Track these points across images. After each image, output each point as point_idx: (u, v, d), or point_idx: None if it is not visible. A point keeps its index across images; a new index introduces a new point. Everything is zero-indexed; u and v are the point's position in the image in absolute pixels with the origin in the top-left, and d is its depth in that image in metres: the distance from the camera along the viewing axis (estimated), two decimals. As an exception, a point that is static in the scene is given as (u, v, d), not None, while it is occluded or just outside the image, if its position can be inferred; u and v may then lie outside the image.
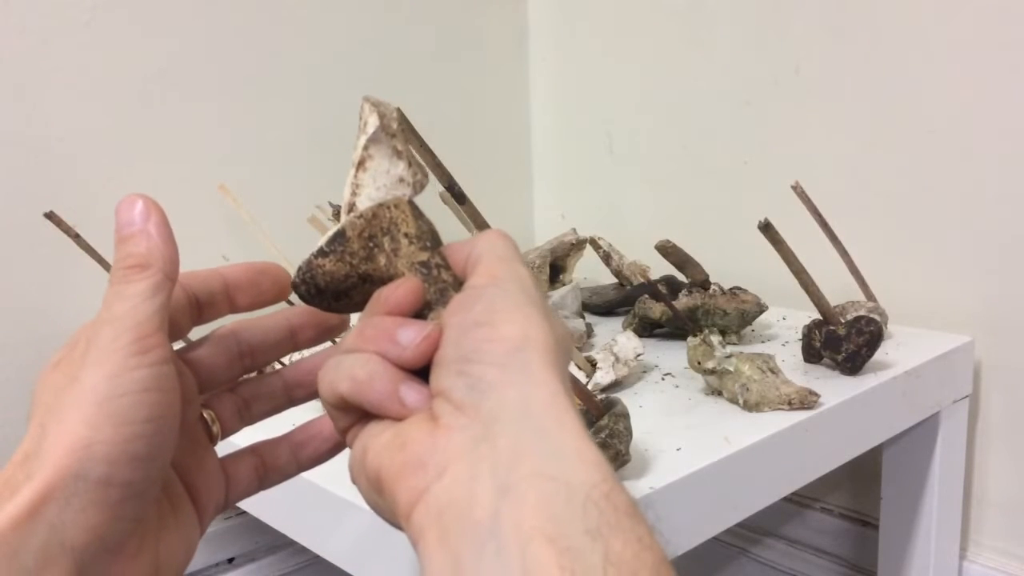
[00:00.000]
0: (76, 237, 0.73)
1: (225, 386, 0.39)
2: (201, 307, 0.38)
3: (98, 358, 0.31)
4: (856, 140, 0.94)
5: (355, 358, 0.33)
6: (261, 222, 0.94)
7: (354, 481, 0.33)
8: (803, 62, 0.97)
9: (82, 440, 0.30)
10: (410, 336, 0.32)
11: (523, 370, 0.29)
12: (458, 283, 0.35)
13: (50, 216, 0.72)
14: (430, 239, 0.37)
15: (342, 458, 0.64)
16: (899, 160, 0.91)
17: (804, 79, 0.97)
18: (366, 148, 0.37)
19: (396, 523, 0.30)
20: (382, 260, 0.36)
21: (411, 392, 0.32)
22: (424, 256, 0.36)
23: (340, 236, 0.36)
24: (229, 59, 0.98)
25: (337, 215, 0.86)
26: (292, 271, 0.40)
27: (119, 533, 0.31)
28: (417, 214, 0.37)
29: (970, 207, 0.86)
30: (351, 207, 0.37)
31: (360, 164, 0.37)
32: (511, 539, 0.26)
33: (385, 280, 0.36)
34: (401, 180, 0.37)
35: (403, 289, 0.34)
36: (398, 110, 0.56)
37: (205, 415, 0.38)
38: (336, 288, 0.36)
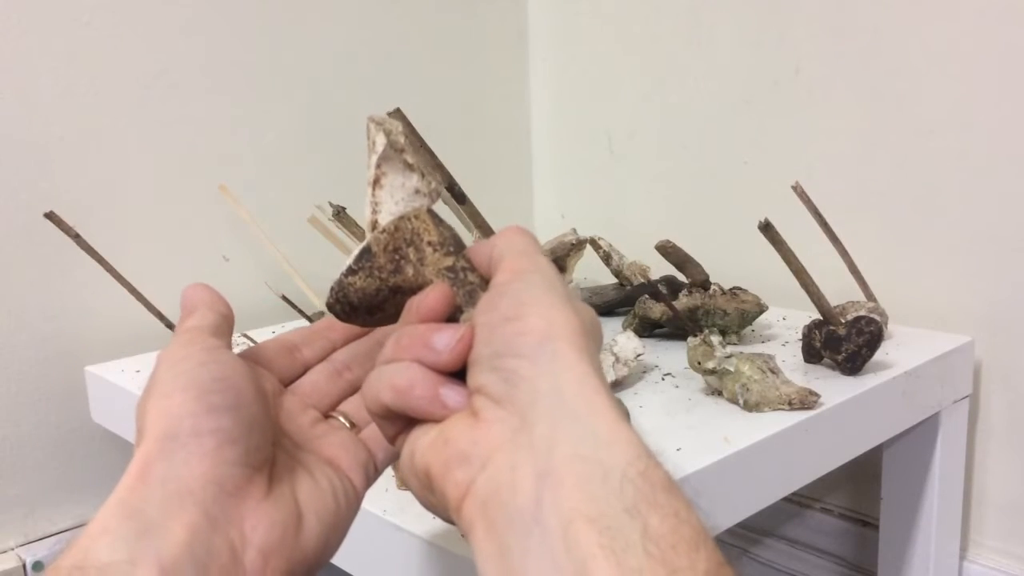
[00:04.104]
0: (76, 237, 0.73)
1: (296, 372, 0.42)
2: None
3: (163, 360, 0.36)
4: (856, 140, 0.94)
5: (394, 367, 0.34)
6: (261, 222, 0.95)
7: (406, 483, 0.35)
8: (803, 62, 0.97)
9: (162, 408, 0.33)
10: (445, 340, 0.33)
11: (553, 359, 0.30)
12: (484, 283, 0.36)
13: (50, 216, 0.72)
14: (453, 244, 0.38)
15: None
16: (899, 160, 0.91)
17: (804, 79, 0.97)
18: (378, 166, 0.38)
19: (449, 518, 0.32)
20: (410, 271, 0.37)
21: (451, 393, 0.33)
22: (449, 261, 0.37)
23: (366, 253, 0.37)
24: (229, 59, 0.98)
25: (338, 215, 0.86)
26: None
27: (232, 477, 0.33)
28: (437, 222, 0.38)
29: (970, 207, 0.86)
30: (374, 224, 0.38)
31: (375, 182, 0.38)
32: (553, 522, 0.27)
33: (415, 289, 0.37)
34: (417, 191, 0.38)
35: (432, 296, 0.35)
36: (398, 111, 0.56)
37: (341, 419, 0.41)
38: (369, 303, 0.38)
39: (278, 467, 0.36)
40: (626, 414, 0.31)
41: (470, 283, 0.36)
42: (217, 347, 0.36)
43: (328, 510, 0.36)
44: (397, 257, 0.37)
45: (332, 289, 0.38)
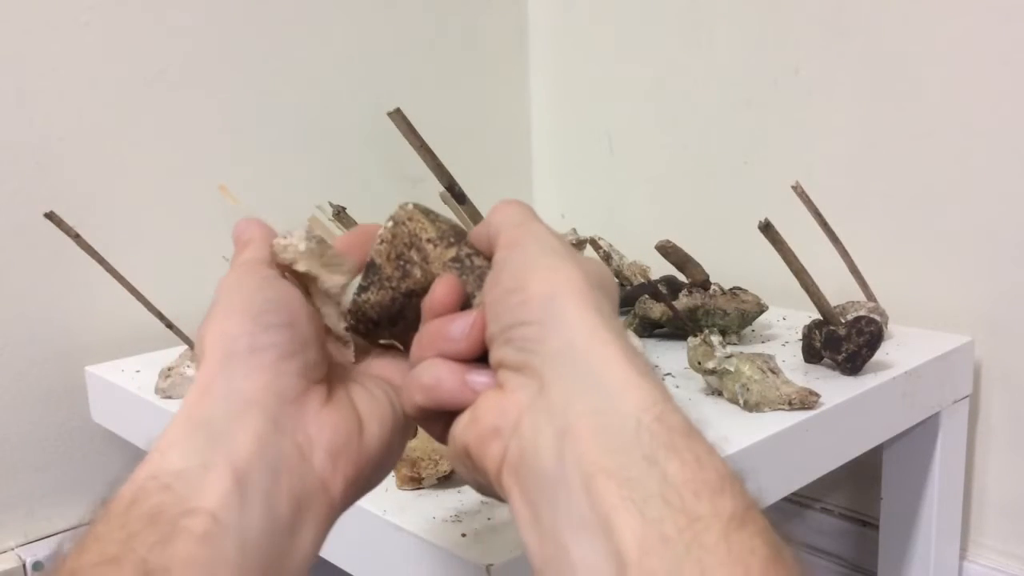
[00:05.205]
0: (76, 237, 0.73)
1: None
2: None
3: (221, 289, 0.36)
4: (856, 140, 0.94)
5: (419, 368, 0.35)
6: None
7: (457, 471, 0.35)
8: (803, 62, 0.97)
9: (219, 331, 0.34)
10: (459, 328, 0.34)
11: (559, 318, 0.31)
12: (491, 263, 0.36)
13: (50, 216, 0.72)
14: (453, 235, 0.38)
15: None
16: (899, 160, 0.91)
17: (804, 79, 0.97)
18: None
19: (497, 495, 0.32)
20: (417, 272, 0.38)
21: (478, 377, 0.34)
22: (452, 252, 0.37)
23: (372, 267, 0.38)
24: (229, 59, 0.98)
25: (338, 215, 0.86)
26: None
27: (292, 387, 0.34)
28: (432, 217, 0.38)
29: (970, 207, 0.86)
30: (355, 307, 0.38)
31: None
32: (575, 479, 0.27)
33: (428, 288, 0.37)
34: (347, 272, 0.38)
35: (440, 290, 0.36)
36: (398, 111, 0.56)
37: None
38: (388, 314, 0.38)
39: (333, 383, 0.36)
40: (643, 359, 0.31)
41: (478, 267, 0.37)
42: (272, 276, 0.37)
43: (387, 416, 0.37)
44: (402, 262, 0.37)
45: (349, 311, 0.38)
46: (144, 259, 0.92)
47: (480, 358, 0.34)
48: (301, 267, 0.37)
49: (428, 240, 0.37)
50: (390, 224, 0.38)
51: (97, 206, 0.90)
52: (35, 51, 0.85)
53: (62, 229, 0.72)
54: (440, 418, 0.35)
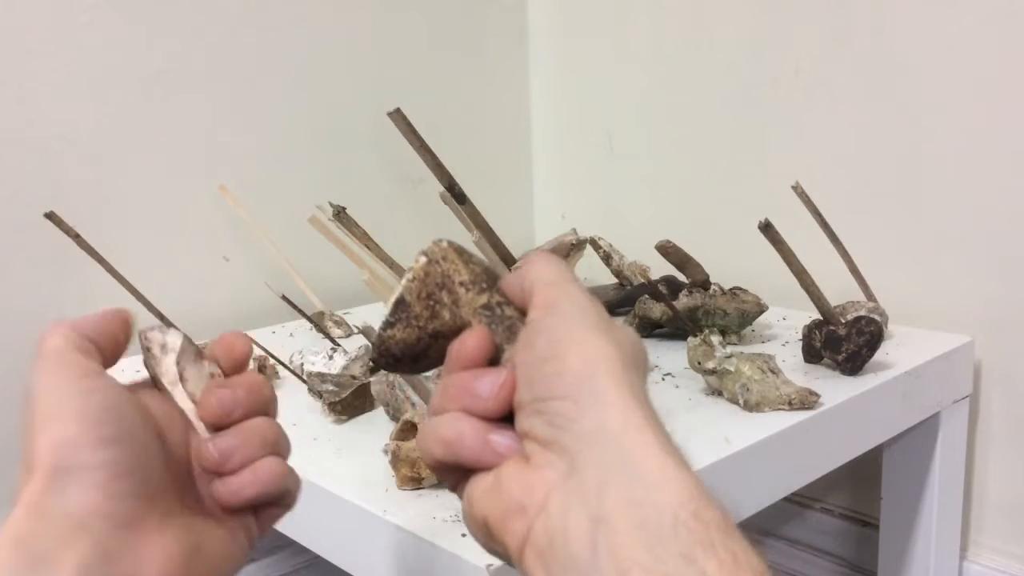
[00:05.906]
0: (76, 237, 0.73)
1: None
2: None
3: (41, 387, 0.36)
4: (856, 140, 0.94)
5: (441, 420, 0.34)
6: (261, 222, 0.95)
7: (469, 532, 0.34)
8: (803, 62, 0.97)
9: (52, 441, 0.33)
10: (487, 387, 0.33)
11: (594, 397, 0.30)
12: (522, 315, 0.36)
13: (50, 216, 0.72)
14: (485, 280, 0.37)
15: (343, 460, 0.63)
16: (899, 160, 0.91)
17: (804, 79, 0.97)
18: (178, 363, 0.40)
19: (513, 565, 0.32)
20: (446, 315, 0.37)
21: (502, 440, 0.33)
22: (484, 299, 0.37)
23: (401, 304, 0.37)
24: (229, 59, 0.98)
25: (338, 215, 0.86)
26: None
27: (125, 510, 0.32)
28: (466, 259, 0.38)
29: (970, 207, 0.86)
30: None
31: (181, 379, 0.40)
32: (609, 572, 0.27)
33: (455, 331, 0.37)
34: (211, 375, 0.39)
35: (471, 342, 0.35)
36: (398, 110, 0.56)
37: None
38: (412, 352, 0.38)
39: (172, 494, 0.36)
40: (675, 444, 0.31)
41: (508, 318, 0.36)
42: (94, 370, 0.36)
43: (224, 541, 0.36)
44: (431, 303, 0.37)
45: (374, 344, 0.38)
46: (144, 259, 0.92)
47: (505, 417, 0.33)
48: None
49: (460, 283, 0.37)
50: (423, 260, 0.37)
51: (97, 206, 0.90)
52: (35, 51, 0.85)
53: (62, 229, 0.73)
54: (456, 471, 0.34)
